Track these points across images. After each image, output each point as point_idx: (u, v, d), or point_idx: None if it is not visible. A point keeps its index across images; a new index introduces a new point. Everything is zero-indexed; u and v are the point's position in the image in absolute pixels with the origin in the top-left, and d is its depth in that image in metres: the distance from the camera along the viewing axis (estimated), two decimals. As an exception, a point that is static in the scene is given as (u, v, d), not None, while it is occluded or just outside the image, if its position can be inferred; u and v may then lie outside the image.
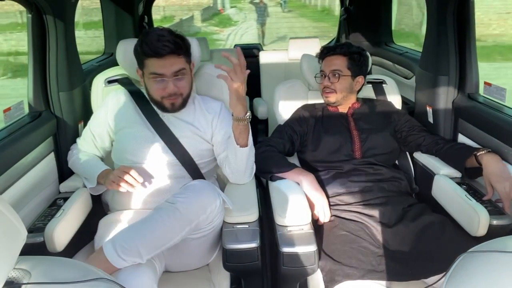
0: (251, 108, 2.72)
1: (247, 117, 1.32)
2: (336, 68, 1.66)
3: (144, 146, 1.43)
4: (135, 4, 2.83)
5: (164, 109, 1.45)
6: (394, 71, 2.60)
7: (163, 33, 1.36)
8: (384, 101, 1.87)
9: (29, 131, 1.44)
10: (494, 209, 1.29)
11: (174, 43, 1.35)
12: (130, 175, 1.33)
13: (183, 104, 1.46)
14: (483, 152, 1.39)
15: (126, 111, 1.50)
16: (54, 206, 1.39)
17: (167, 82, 1.37)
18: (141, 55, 1.38)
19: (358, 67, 1.70)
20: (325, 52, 1.73)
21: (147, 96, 1.51)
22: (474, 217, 1.25)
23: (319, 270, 1.28)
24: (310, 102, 1.89)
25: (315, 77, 1.78)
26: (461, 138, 1.64)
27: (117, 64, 1.68)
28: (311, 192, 1.45)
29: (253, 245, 1.21)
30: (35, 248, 1.21)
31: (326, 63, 1.70)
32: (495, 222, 1.25)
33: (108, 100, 1.53)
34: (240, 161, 1.41)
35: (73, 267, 0.75)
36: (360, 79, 1.72)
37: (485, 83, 1.55)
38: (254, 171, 1.50)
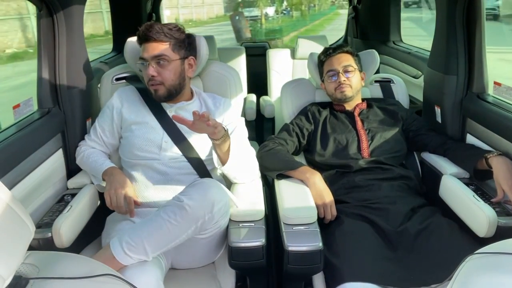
0: (258, 106, 2.72)
1: (226, 130, 1.34)
2: (348, 64, 1.71)
3: (151, 142, 1.44)
4: (143, 2, 2.84)
5: (153, 97, 1.49)
6: (402, 70, 2.58)
7: (157, 24, 1.44)
8: (391, 100, 1.86)
9: (38, 127, 1.45)
10: (502, 210, 1.28)
11: (160, 31, 1.42)
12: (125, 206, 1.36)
13: (168, 96, 1.48)
14: (494, 154, 1.38)
15: (133, 107, 1.51)
16: (62, 202, 1.41)
17: (148, 65, 1.43)
18: (139, 43, 1.48)
19: (359, 63, 1.77)
20: (331, 52, 1.75)
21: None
22: (482, 218, 1.24)
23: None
24: (317, 100, 1.89)
25: (322, 79, 1.78)
26: (470, 139, 1.63)
27: (125, 62, 1.69)
28: (318, 191, 1.45)
29: (258, 243, 1.21)
30: (43, 244, 1.22)
31: (335, 61, 1.72)
32: (503, 223, 1.23)
33: (115, 97, 1.54)
34: (232, 173, 1.44)
35: (81, 262, 0.76)
36: (363, 74, 1.78)
37: (494, 82, 1.53)
38: (256, 170, 1.51)
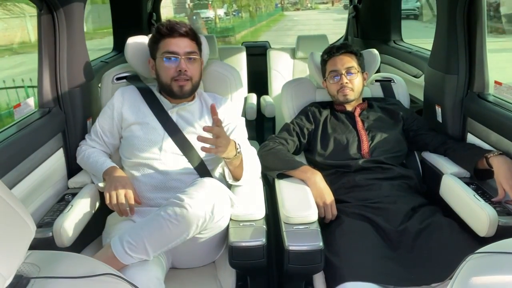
0: (258, 106, 2.72)
1: (239, 150, 1.35)
2: (351, 65, 1.70)
3: (152, 142, 1.44)
4: (143, 1, 2.84)
5: (173, 95, 1.48)
6: (403, 70, 2.58)
7: (181, 22, 1.48)
8: (392, 100, 1.86)
9: (39, 127, 1.45)
10: (503, 209, 1.28)
11: (190, 28, 1.47)
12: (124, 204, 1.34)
13: (191, 92, 1.50)
14: (494, 154, 1.38)
15: (134, 107, 1.51)
16: (63, 201, 1.41)
17: (179, 60, 1.44)
18: (157, 38, 1.47)
19: (362, 64, 1.76)
20: (334, 52, 1.73)
21: (156, 91, 1.55)
22: (482, 217, 1.24)
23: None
24: (318, 100, 1.89)
25: (324, 78, 1.78)
26: (470, 138, 1.63)
27: (125, 61, 1.69)
28: (318, 190, 1.45)
29: (259, 243, 1.21)
30: (43, 243, 1.22)
31: (339, 62, 1.71)
32: (503, 223, 1.23)
33: (116, 96, 1.54)
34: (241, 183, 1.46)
35: (82, 262, 0.76)
36: (365, 75, 1.77)
37: (495, 82, 1.53)
38: (258, 171, 1.51)
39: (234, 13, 22.57)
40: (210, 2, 20.18)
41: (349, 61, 1.70)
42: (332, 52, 1.74)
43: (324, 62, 1.78)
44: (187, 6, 21.51)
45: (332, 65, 1.72)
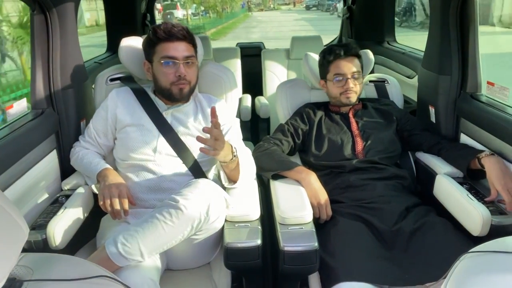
0: (253, 106, 2.72)
1: (235, 154, 1.35)
2: (357, 70, 1.70)
3: (146, 144, 1.44)
4: (137, 2, 2.84)
5: (172, 98, 1.48)
6: (397, 71, 2.59)
7: (177, 24, 1.46)
8: (386, 100, 1.87)
9: (32, 128, 1.44)
10: (496, 209, 1.29)
11: (187, 31, 1.46)
12: (118, 204, 1.32)
13: (189, 95, 1.50)
14: (486, 154, 1.39)
15: (128, 108, 1.50)
16: (56, 203, 1.40)
17: (178, 65, 1.43)
18: (154, 41, 1.45)
19: (363, 66, 1.76)
20: (341, 54, 1.69)
21: (150, 92, 1.54)
22: (476, 217, 1.25)
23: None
24: (313, 101, 1.89)
25: (325, 79, 1.77)
26: (463, 138, 1.64)
27: (119, 62, 1.68)
28: (313, 191, 1.45)
29: (254, 243, 1.21)
30: (37, 245, 1.21)
31: (345, 65, 1.68)
32: (496, 222, 1.24)
33: (110, 98, 1.54)
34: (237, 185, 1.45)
35: (75, 264, 0.76)
36: (364, 78, 1.78)
37: (488, 82, 1.54)
38: (253, 173, 1.51)
39: (202, 13, 24.95)
40: (179, 3, 22.98)
41: (355, 65, 1.69)
42: (338, 53, 1.70)
43: (327, 62, 1.73)
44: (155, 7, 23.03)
45: (338, 67, 1.69)
